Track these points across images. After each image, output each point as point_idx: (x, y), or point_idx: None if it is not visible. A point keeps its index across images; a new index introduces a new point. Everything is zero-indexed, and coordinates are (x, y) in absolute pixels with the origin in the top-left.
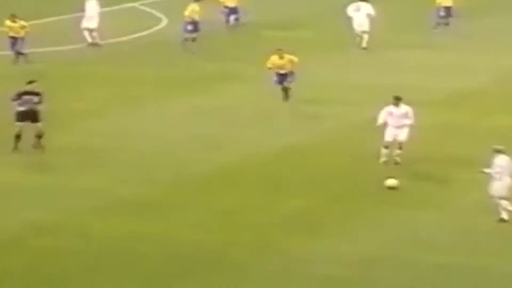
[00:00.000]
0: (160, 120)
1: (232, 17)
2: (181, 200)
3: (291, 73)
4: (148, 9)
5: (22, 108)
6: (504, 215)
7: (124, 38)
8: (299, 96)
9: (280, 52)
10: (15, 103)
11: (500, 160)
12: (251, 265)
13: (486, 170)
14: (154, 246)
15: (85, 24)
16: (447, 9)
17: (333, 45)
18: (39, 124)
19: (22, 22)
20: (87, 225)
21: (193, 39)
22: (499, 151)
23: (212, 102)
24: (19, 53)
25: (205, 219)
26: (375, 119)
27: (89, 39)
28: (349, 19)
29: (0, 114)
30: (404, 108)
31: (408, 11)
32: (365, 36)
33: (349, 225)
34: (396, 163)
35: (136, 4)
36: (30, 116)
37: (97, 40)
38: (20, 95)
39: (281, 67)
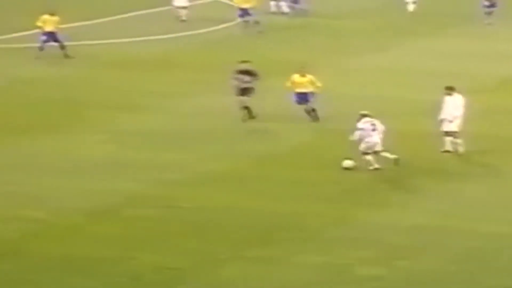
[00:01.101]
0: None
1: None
2: (257, 173)
3: (312, 93)
4: (229, 2)
5: (236, 85)
6: (376, 165)
7: (210, 29)
8: (367, 79)
9: (302, 71)
10: (233, 80)
11: (362, 124)
12: (324, 233)
13: (351, 137)
14: (234, 216)
15: (176, 3)
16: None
17: (387, 34)
18: (247, 98)
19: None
20: (174, 196)
21: (247, 22)
22: (364, 115)
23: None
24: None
25: (281, 191)
26: (432, 102)
27: (184, 17)
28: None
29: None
30: (457, 97)
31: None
32: (412, 5)
33: (408, 197)
34: (459, 153)
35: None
36: (242, 92)
37: (184, 18)
38: (235, 73)
39: (301, 85)
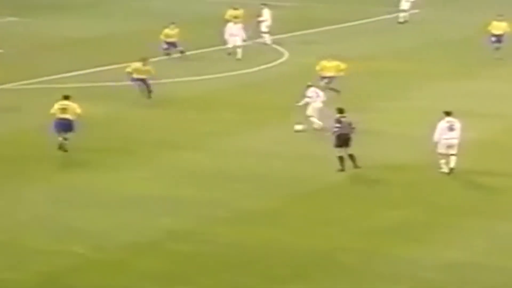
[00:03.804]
0: (276, 141)
1: None
2: (293, 211)
3: (72, 121)
4: (273, 45)
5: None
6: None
7: (252, 70)
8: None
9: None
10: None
11: (309, 93)
12: (359, 269)
13: (298, 104)
14: (269, 251)
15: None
16: None
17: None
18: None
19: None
20: (212, 232)
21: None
22: (309, 86)
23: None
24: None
25: (314, 227)
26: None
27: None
28: None
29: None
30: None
31: None
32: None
33: (446, 233)
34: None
35: (262, 40)
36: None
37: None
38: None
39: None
